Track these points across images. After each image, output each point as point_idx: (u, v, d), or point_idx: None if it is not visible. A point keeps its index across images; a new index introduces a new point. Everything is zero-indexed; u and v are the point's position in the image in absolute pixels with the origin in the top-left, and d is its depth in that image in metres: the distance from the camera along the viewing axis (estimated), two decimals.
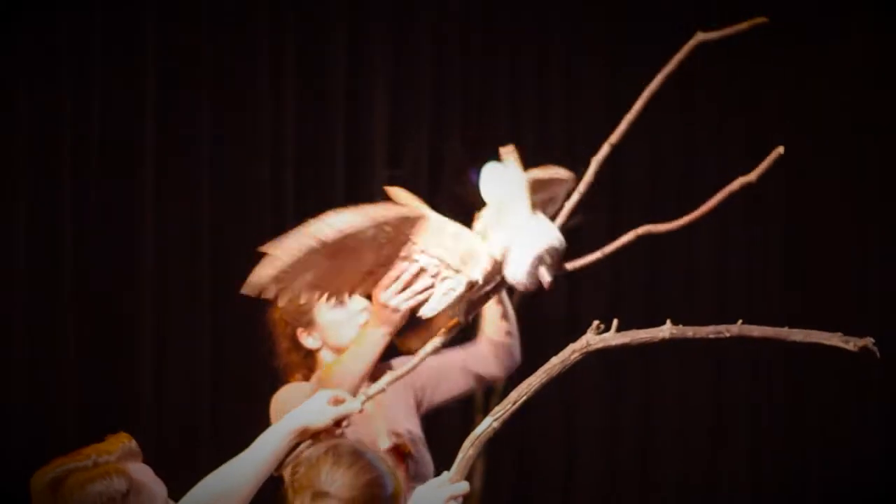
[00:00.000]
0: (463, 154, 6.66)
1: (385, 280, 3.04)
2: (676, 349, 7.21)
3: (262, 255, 2.80)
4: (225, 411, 5.75)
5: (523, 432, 6.75)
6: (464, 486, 2.83)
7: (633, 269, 7.15)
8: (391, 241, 2.97)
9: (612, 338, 3.11)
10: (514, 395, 3.03)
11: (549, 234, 3.07)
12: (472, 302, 3.15)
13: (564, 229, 7.62)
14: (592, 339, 3.11)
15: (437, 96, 6.52)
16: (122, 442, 2.53)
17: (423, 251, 3.06)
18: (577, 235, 6.98)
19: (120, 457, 2.51)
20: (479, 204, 6.95)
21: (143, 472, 2.53)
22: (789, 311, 7.43)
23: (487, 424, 3.00)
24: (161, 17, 5.73)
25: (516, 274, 3.01)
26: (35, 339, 5.42)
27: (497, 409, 3.03)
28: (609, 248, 3.19)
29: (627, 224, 7.46)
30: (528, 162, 7.28)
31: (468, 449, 2.97)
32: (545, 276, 3.02)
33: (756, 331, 2.99)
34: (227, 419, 5.70)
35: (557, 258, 3.06)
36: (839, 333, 2.86)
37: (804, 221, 7.47)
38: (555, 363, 3.09)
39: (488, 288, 3.12)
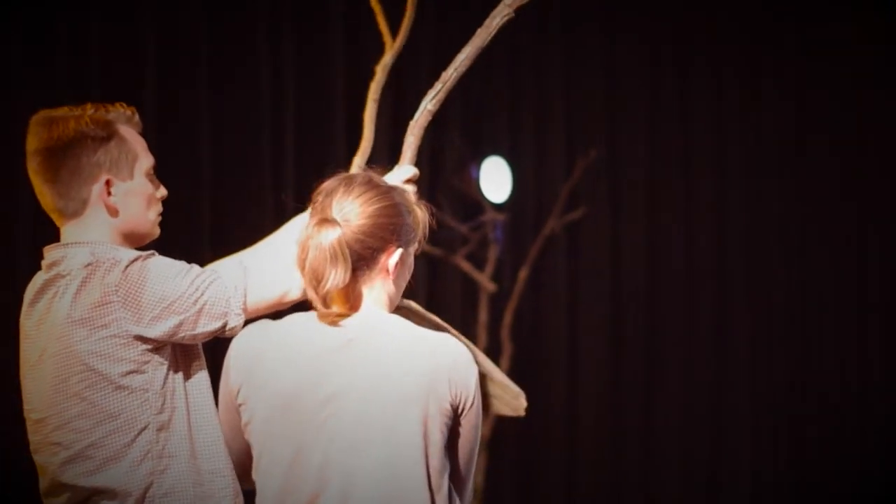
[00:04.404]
0: (463, 149, 6.67)
1: None
2: (679, 348, 7.24)
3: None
4: None
5: (524, 432, 6.76)
6: (411, 169, 2.88)
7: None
8: None
9: None
10: (444, 75, 3.02)
11: None
12: None
13: (566, 222, 7.63)
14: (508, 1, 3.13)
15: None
16: (123, 108, 2.80)
17: None
18: (579, 227, 7.08)
19: (115, 116, 2.78)
20: (479, 198, 6.97)
21: (132, 136, 2.80)
22: (789, 302, 7.45)
23: (423, 108, 3.02)
24: (160, 7, 5.73)
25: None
26: None
27: (430, 92, 3.02)
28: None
29: (628, 216, 7.53)
30: (526, 156, 7.33)
31: (408, 137, 3.02)
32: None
33: None
34: None
35: None
36: None
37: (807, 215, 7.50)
38: (480, 33, 3.09)
39: None
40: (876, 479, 7.35)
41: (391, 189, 2.62)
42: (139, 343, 2.64)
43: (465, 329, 6.74)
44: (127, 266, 2.64)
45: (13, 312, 2.86)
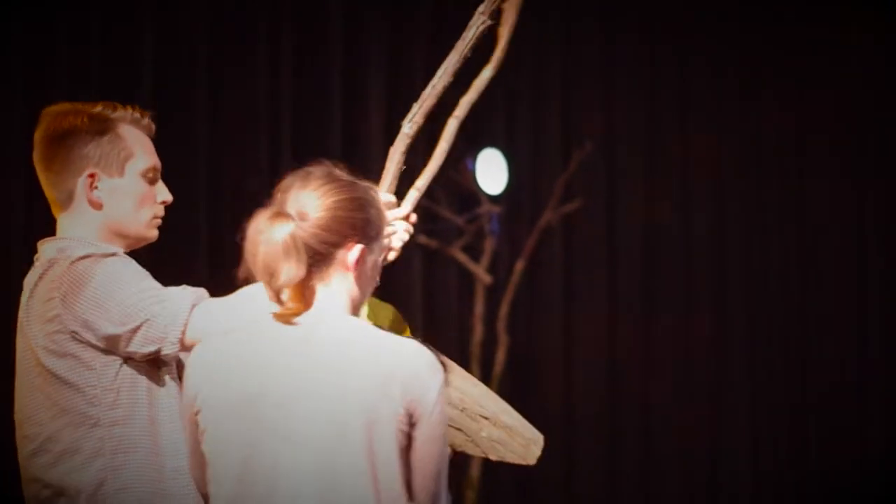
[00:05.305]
0: (459, 141, 6.68)
1: None
2: (677, 344, 7.24)
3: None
4: None
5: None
6: (388, 197, 2.80)
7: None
8: None
9: None
10: (422, 95, 2.89)
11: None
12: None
13: (563, 214, 7.61)
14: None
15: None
16: (133, 110, 2.83)
17: None
18: (575, 219, 7.09)
19: (120, 116, 2.81)
20: (475, 190, 6.97)
21: (133, 135, 2.81)
22: (792, 302, 7.45)
23: (402, 131, 2.87)
24: (160, 7, 5.75)
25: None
26: None
27: (409, 114, 2.89)
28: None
29: (624, 209, 7.52)
30: (522, 148, 7.31)
31: (388, 163, 2.89)
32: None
33: None
34: None
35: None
36: None
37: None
38: (457, 46, 2.94)
39: None
40: (876, 479, 7.35)
41: (352, 182, 2.49)
42: (83, 338, 2.63)
43: (461, 321, 6.76)
44: (73, 262, 2.64)
45: (13, 312, 2.88)
